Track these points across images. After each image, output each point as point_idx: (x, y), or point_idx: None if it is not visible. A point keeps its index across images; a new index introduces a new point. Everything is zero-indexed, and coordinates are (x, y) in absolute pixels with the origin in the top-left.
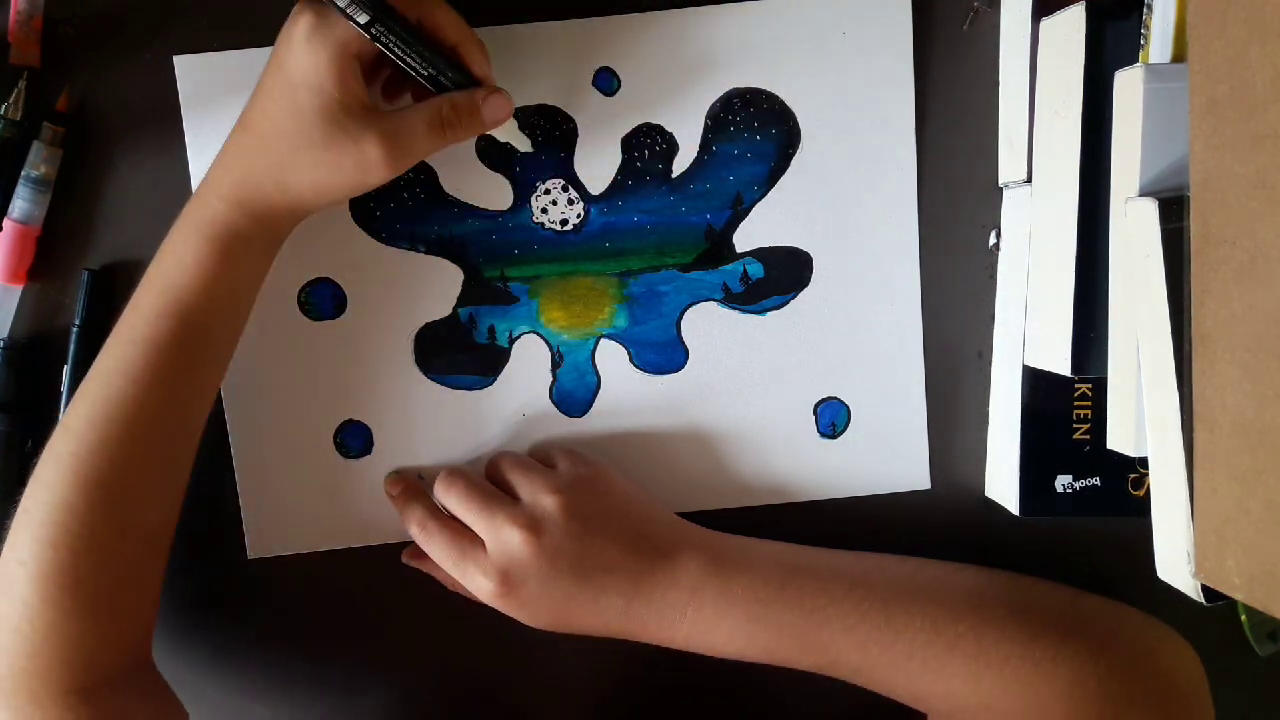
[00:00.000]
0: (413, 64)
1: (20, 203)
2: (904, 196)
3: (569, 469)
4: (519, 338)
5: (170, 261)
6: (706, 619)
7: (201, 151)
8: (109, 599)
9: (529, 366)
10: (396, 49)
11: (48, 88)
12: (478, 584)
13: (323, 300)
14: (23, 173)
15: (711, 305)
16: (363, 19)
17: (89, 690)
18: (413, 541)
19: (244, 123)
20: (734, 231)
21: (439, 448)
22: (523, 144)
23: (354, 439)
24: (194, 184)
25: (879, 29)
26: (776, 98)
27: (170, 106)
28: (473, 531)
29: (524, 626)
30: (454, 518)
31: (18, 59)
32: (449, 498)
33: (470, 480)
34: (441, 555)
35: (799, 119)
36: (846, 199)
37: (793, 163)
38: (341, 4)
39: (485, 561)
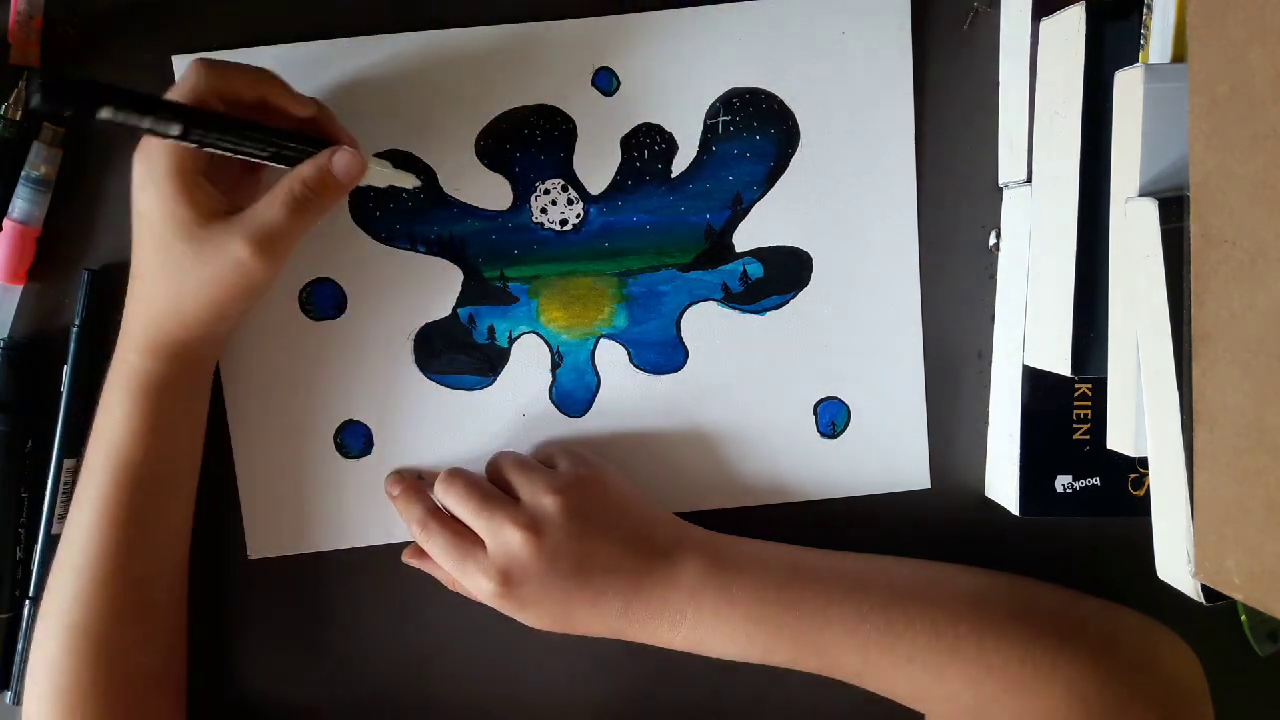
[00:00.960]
0: (247, 153)
1: (20, 203)
2: (904, 196)
3: (569, 469)
4: (519, 338)
5: (105, 419)
6: (706, 620)
7: None
8: None
9: (529, 366)
10: (224, 146)
11: None
12: (478, 584)
13: (323, 300)
14: (23, 173)
15: (711, 305)
16: (175, 131)
17: None
18: (413, 541)
19: (131, 273)
20: (733, 231)
21: (439, 448)
22: (408, 182)
23: (354, 439)
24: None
25: (878, 29)
26: (776, 97)
27: None
28: (473, 531)
29: (525, 627)
30: (454, 518)
31: (18, 59)
32: (449, 497)
33: (470, 480)
34: (442, 555)
35: (798, 119)
36: (846, 199)
37: (792, 163)
38: (145, 126)
39: (486, 561)
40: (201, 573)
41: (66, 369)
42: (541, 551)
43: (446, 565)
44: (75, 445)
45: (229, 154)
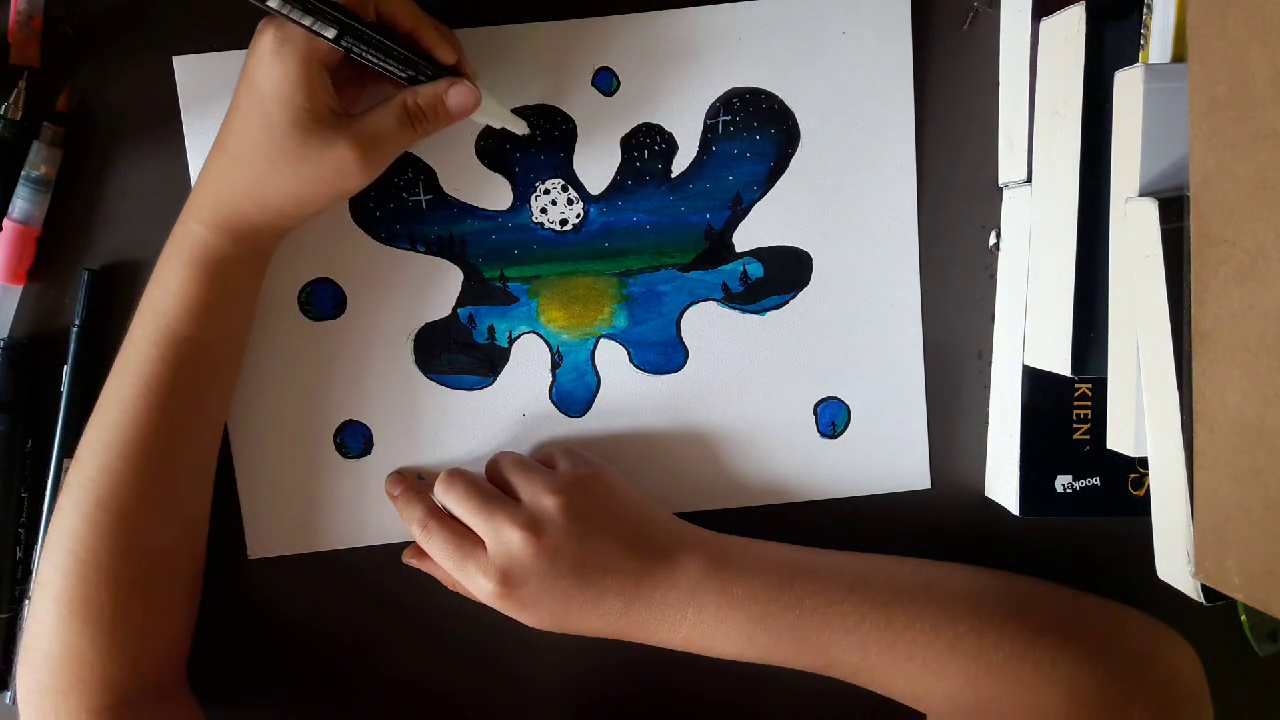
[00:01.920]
0: (388, 70)
1: (20, 203)
2: (904, 196)
3: (569, 469)
4: (519, 338)
5: (158, 291)
6: (706, 620)
7: (201, 152)
8: (120, 620)
9: (529, 366)
10: (369, 58)
11: (48, 88)
12: (478, 584)
13: (323, 300)
14: (23, 173)
15: (711, 305)
16: (330, 34)
17: (109, 709)
18: (413, 541)
19: (219, 143)
20: (733, 231)
21: (439, 448)
22: (519, 127)
23: (354, 439)
24: (194, 184)
25: (878, 29)
26: (776, 97)
27: (170, 106)
28: (474, 532)
29: (524, 626)
30: (455, 518)
31: (18, 59)
32: (449, 498)
33: (471, 480)
34: (442, 555)
35: (798, 119)
36: (846, 199)
37: (792, 162)
38: (307, 23)
39: (485, 561)
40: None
41: (66, 369)
42: (542, 552)
43: (446, 565)
44: (75, 445)
45: (368, 65)
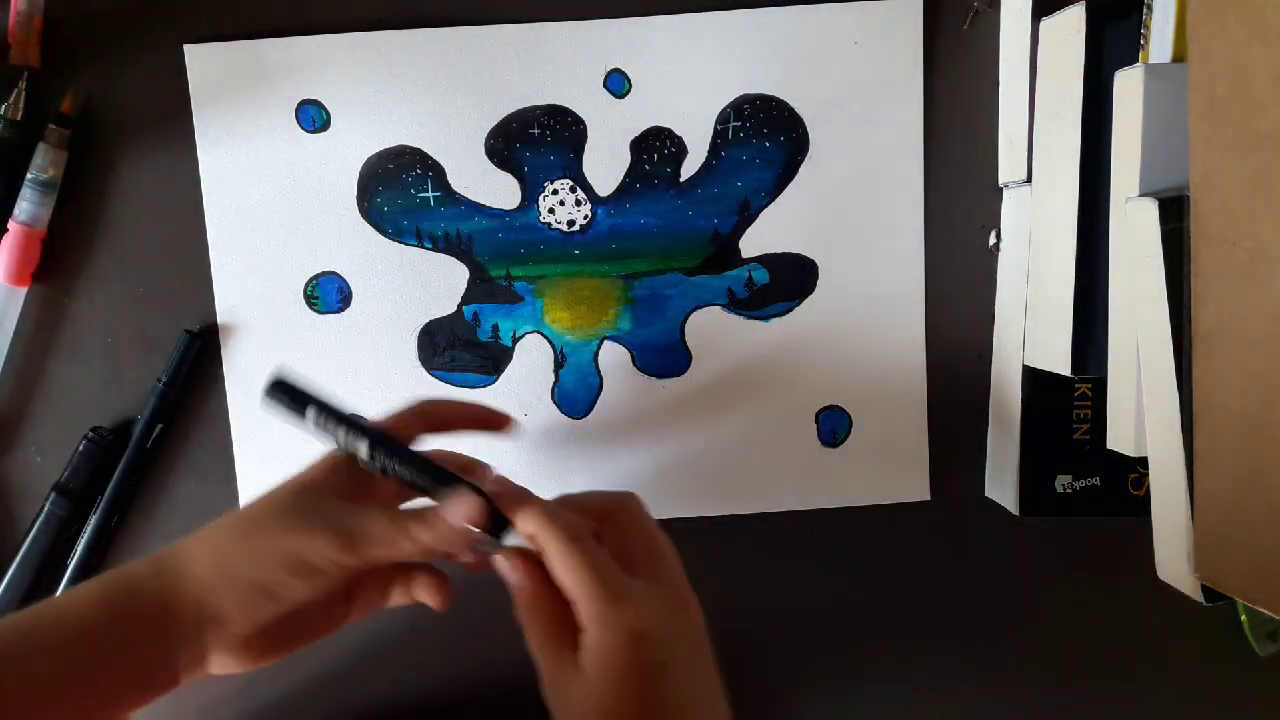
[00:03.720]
0: (409, 484)
1: (25, 205)
2: (911, 207)
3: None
4: (522, 337)
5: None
6: None
7: (212, 146)
8: None
9: (532, 366)
10: (397, 474)
11: (48, 88)
12: (627, 612)
13: (328, 294)
14: (28, 176)
15: (716, 310)
16: (362, 452)
17: None
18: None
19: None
20: (740, 237)
21: (439, 445)
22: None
23: None
24: (203, 178)
25: (890, 40)
26: (786, 104)
27: (174, 105)
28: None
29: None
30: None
31: (18, 59)
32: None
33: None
34: (601, 571)
35: (808, 126)
36: (854, 208)
37: (801, 170)
38: (339, 437)
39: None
40: None
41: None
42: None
43: (535, 644)
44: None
45: (392, 479)
